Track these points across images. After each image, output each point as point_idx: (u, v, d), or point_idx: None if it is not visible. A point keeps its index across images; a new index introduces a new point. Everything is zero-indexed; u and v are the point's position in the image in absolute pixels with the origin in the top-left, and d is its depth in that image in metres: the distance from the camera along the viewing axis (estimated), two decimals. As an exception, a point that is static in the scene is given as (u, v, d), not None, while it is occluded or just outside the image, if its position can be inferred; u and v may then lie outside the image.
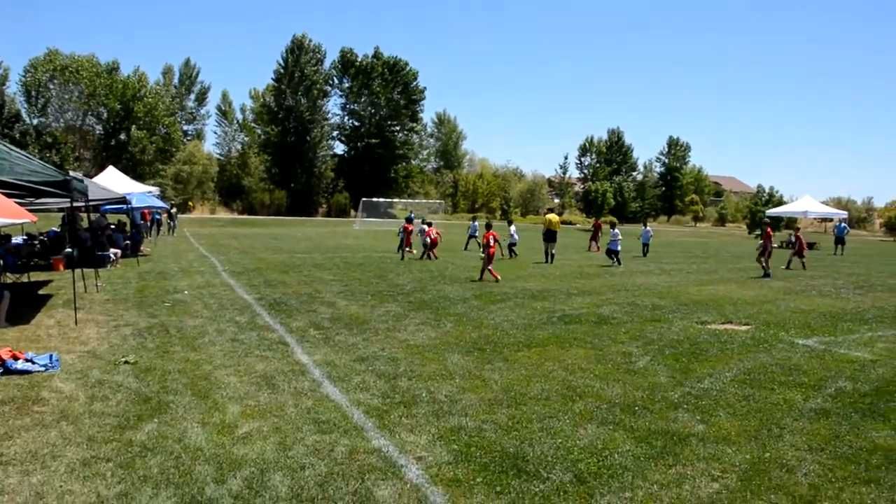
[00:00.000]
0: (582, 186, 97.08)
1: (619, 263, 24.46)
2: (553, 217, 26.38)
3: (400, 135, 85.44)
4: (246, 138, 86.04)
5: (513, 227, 28.17)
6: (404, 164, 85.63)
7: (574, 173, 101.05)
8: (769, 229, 23.39)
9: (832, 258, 35.25)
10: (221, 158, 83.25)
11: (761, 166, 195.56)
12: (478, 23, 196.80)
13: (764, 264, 22.40)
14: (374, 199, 64.07)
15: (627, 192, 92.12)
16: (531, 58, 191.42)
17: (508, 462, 5.73)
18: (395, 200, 73.32)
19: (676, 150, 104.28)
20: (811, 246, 45.25)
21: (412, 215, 38.23)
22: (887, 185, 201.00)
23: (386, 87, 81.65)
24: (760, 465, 5.80)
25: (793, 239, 27.21)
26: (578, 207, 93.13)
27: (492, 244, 18.94)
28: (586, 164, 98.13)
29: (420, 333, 11.02)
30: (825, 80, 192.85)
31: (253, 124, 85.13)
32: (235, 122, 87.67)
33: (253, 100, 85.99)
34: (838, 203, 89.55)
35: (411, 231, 25.29)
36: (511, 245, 27.07)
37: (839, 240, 40.64)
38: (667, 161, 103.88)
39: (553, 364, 9.12)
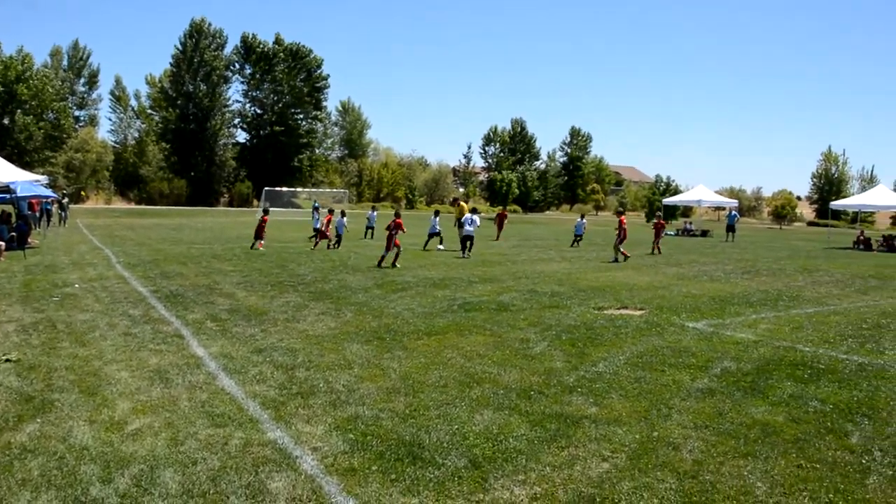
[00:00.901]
0: (486, 175, 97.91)
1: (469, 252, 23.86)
2: (464, 206, 28.21)
3: (304, 123, 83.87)
4: (143, 125, 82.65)
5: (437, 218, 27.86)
6: (308, 152, 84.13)
7: (478, 162, 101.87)
8: (623, 218, 24.43)
9: (723, 245, 36.82)
10: (117, 146, 79.76)
11: (660, 156, 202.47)
12: (382, 11, 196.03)
13: (618, 251, 23.53)
14: (278, 189, 62.83)
15: (531, 181, 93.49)
16: (436, 47, 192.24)
17: (404, 450, 5.75)
18: (298, 190, 72.08)
19: (579, 140, 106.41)
20: (705, 233, 47.25)
21: (317, 204, 37.71)
22: (775, 176, 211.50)
23: (289, 74, 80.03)
24: (649, 444, 6.01)
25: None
26: (483, 196, 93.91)
27: (394, 232, 19.00)
28: (490, 153, 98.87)
29: (319, 323, 10.92)
30: (720, 75, 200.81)
31: (150, 111, 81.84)
32: (130, 108, 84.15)
33: (149, 85, 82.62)
34: (730, 192, 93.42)
35: (266, 221, 24.83)
36: (433, 234, 26.91)
37: (730, 227, 42.58)
38: (569, 151, 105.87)
39: (452, 351, 9.20)
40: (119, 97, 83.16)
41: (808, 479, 5.40)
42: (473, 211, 25.11)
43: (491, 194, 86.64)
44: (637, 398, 7.34)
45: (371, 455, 5.64)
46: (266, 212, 25.85)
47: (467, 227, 23.47)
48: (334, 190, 74.14)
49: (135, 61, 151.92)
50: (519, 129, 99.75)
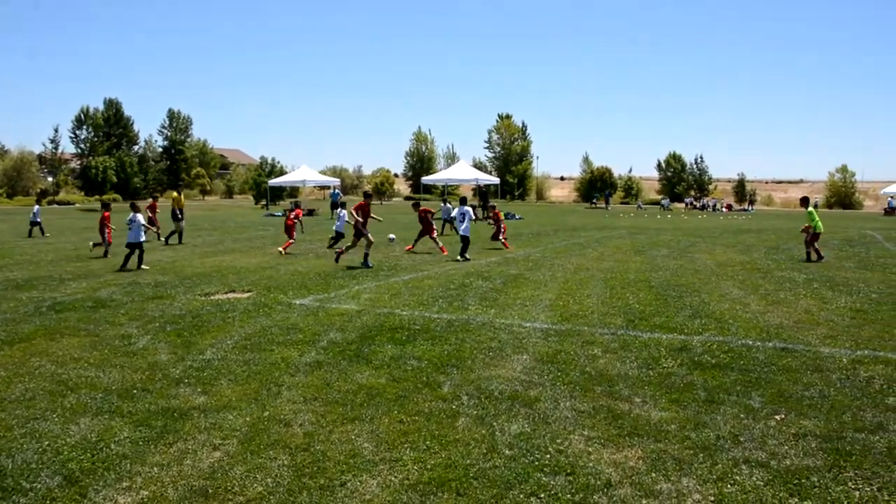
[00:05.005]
0: (79, 162, 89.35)
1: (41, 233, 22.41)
2: (177, 194, 26.13)
3: None
4: None
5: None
6: None
7: (69, 148, 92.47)
8: (497, 212, 24.36)
9: (329, 222, 38.24)
10: None
11: (264, 138, 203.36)
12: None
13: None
14: None
15: (130, 167, 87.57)
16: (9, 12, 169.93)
17: (-19, 480, 4.98)
18: None
19: (178, 122, 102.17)
20: (311, 212, 48.65)
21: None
22: (374, 155, 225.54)
23: None
24: (260, 425, 5.98)
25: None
26: (77, 185, 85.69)
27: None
28: (83, 137, 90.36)
29: None
30: (313, 58, 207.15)
31: None
32: None
33: None
34: (333, 171, 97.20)
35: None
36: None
37: (334, 205, 44.45)
38: (169, 134, 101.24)
39: (40, 359, 8.21)
40: None
41: (409, 431, 5.82)
42: (463, 201, 21.21)
43: (86, 183, 79.31)
44: (247, 381, 7.27)
45: (-66, 495, 4.78)
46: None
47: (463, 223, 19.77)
48: None
49: None
50: (114, 111, 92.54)
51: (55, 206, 64.65)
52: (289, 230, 21.18)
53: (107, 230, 19.76)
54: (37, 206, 28.69)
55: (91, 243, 20.97)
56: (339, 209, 22.96)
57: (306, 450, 5.45)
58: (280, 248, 20.54)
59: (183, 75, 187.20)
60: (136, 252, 16.60)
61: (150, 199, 25.54)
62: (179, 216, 24.37)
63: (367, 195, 17.91)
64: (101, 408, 6.49)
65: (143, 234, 16.92)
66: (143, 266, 16.35)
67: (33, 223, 27.76)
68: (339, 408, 6.40)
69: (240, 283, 13.96)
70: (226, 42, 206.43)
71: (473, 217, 19.76)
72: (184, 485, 4.89)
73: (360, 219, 17.09)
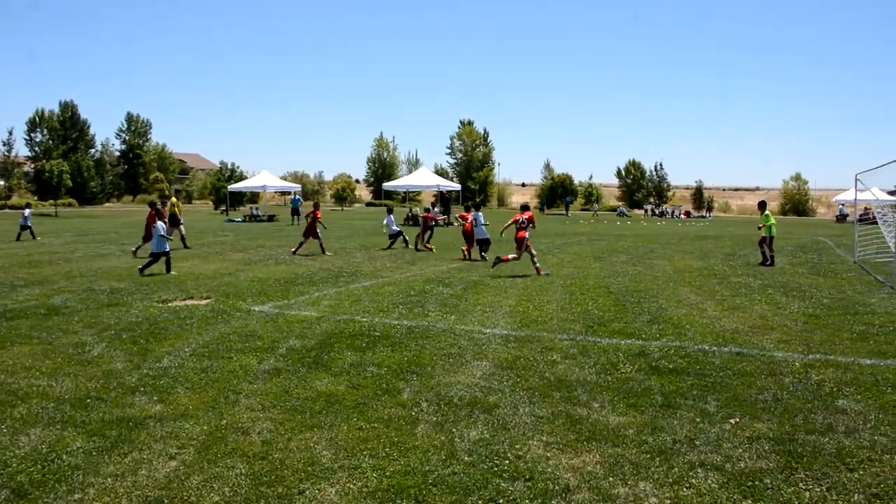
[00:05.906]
0: (33, 166, 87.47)
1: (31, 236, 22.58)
2: (175, 199, 26.60)
3: None
4: None
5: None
6: None
7: (24, 151, 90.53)
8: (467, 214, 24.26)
9: (289, 228, 38.08)
10: None
11: (224, 143, 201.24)
12: None
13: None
14: None
15: (87, 170, 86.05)
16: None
17: (-79, 497, 4.84)
18: None
19: (137, 126, 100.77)
20: (271, 218, 48.29)
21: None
22: (335, 161, 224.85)
23: None
24: (217, 434, 5.91)
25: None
26: (31, 190, 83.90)
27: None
28: (38, 140, 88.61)
29: None
30: (274, 60, 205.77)
31: None
32: None
33: None
34: (294, 177, 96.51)
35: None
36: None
37: (294, 211, 44.40)
38: (127, 138, 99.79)
39: (-11, 368, 8.05)
40: None
41: (368, 438, 5.80)
42: (477, 207, 22.14)
43: (40, 186, 77.66)
44: (204, 389, 7.18)
45: None
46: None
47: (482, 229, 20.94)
48: None
49: None
50: (70, 114, 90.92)
51: (7, 210, 63.18)
52: (311, 231, 21.91)
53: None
54: (27, 210, 28.58)
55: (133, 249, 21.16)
56: (388, 215, 25.16)
57: (264, 458, 5.40)
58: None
59: (142, 78, 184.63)
60: (163, 259, 16.52)
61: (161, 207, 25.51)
62: (178, 221, 24.54)
63: (524, 207, 18.06)
64: (52, 418, 6.36)
65: (166, 244, 16.82)
66: (145, 271, 16.18)
67: (24, 227, 27.53)
68: (297, 415, 6.36)
69: (198, 290, 13.80)
70: (186, 45, 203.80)
71: (484, 222, 21.21)
72: (139, 495, 4.81)
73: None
